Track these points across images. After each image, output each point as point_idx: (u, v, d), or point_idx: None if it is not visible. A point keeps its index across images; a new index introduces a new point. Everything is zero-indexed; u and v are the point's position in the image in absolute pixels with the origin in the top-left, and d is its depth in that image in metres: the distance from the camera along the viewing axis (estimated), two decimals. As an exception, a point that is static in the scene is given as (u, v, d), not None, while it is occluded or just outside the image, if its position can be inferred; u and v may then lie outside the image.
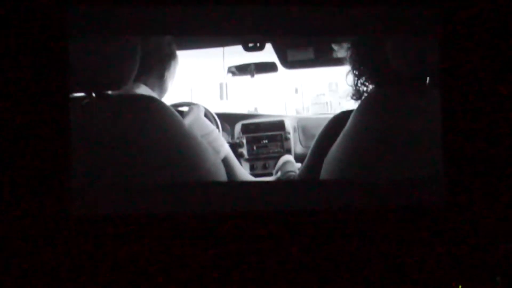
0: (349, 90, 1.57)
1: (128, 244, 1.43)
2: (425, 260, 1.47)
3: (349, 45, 1.59)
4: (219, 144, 1.59)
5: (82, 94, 1.38)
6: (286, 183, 1.66)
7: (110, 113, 1.33)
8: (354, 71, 1.54)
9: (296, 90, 2.58)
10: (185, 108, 1.75)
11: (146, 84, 1.47)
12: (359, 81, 1.53)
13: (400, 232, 1.47)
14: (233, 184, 1.55)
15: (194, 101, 2.10)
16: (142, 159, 1.32)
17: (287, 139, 2.18)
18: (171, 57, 1.55)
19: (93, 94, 1.36)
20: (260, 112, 2.51)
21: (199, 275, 1.45)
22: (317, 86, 2.57)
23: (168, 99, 1.66)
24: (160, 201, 1.40)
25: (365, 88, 1.53)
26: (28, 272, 1.40)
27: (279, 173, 1.84)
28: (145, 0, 1.40)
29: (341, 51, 1.89)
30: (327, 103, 2.56)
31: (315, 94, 2.59)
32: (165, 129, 1.34)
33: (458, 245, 1.47)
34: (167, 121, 1.34)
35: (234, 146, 2.15)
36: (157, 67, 1.50)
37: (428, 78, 1.43)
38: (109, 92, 1.37)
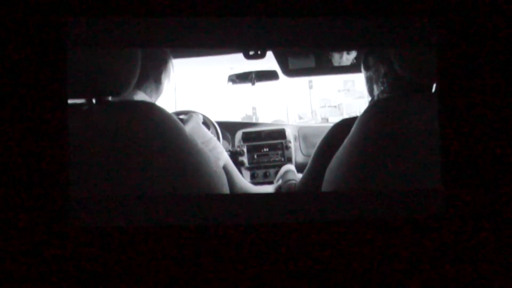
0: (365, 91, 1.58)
1: (128, 256, 1.41)
2: (425, 269, 1.45)
3: (355, 55, 1.60)
4: (219, 151, 1.58)
5: (82, 100, 1.37)
6: (287, 195, 1.64)
7: (111, 119, 1.32)
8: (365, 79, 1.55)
9: (311, 85, 2.51)
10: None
11: (143, 91, 1.45)
12: (374, 88, 1.54)
13: (401, 242, 1.46)
14: (234, 195, 1.54)
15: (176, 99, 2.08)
16: (145, 165, 1.31)
17: (288, 147, 2.17)
18: (167, 60, 1.54)
19: (94, 101, 1.34)
20: (258, 113, 2.48)
21: (198, 285, 1.43)
22: (332, 83, 2.49)
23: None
24: (160, 212, 1.38)
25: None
26: (27, 283, 1.38)
27: (279, 181, 1.82)
28: (145, 13, 1.41)
29: (343, 58, 1.89)
30: (337, 106, 2.48)
31: (335, 89, 2.48)
32: (167, 136, 1.32)
33: (458, 256, 1.46)
34: (169, 128, 1.33)
35: (235, 155, 2.14)
36: (153, 72, 1.49)
37: (434, 86, 1.43)
38: (109, 98, 1.36)
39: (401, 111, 1.41)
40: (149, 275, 1.41)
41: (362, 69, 1.57)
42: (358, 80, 2.26)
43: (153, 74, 1.49)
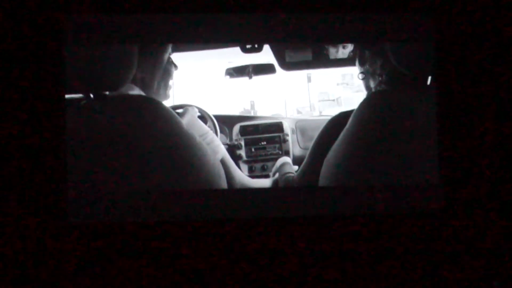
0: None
1: (127, 252, 1.42)
2: (423, 264, 1.46)
3: (351, 49, 1.59)
4: (216, 144, 1.58)
5: (80, 95, 1.37)
6: (285, 189, 1.65)
7: (109, 114, 1.32)
8: (359, 75, 1.55)
9: (309, 79, 2.49)
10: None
11: (138, 86, 1.45)
12: (370, 82, 1.54)
13: (398, 237, 1.47)
14: (232, 190, 1.54)
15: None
16: (144, 159, 1.31)
17: (285, 140, 2.17)
18: (164, 58, 1.53)
19: (91, 95, 1.35)
20: (257, 106, 2.48)
21: (197, 281, 1.43)
22: (330, 77, 2.47)
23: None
24: (160, 207, 1.39)
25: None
26: (26, 280, 1.39)
27: (276, 175, 1.83)
28: (143, 9, 1.41)
29: (339, 53, 1.89)
30: (336, 99, 2.47)
31: (334, 83, 2.47)
32: (166, 130, 1.33)
33: (456, 250, 1.47)
34: (168, 122, 1.33)
35: (233, 148, 2.14)
36: (148, 69, 1.49)
37: (429, 78, 1.44)
38: (106, 93, 1.36)
39: (397, 103, 1.41)
40: (148, 271, 1.42)
41: (357, 65, 1.57)
42: (356, 74, 2.26)
43: (148, 71, 1.49)
